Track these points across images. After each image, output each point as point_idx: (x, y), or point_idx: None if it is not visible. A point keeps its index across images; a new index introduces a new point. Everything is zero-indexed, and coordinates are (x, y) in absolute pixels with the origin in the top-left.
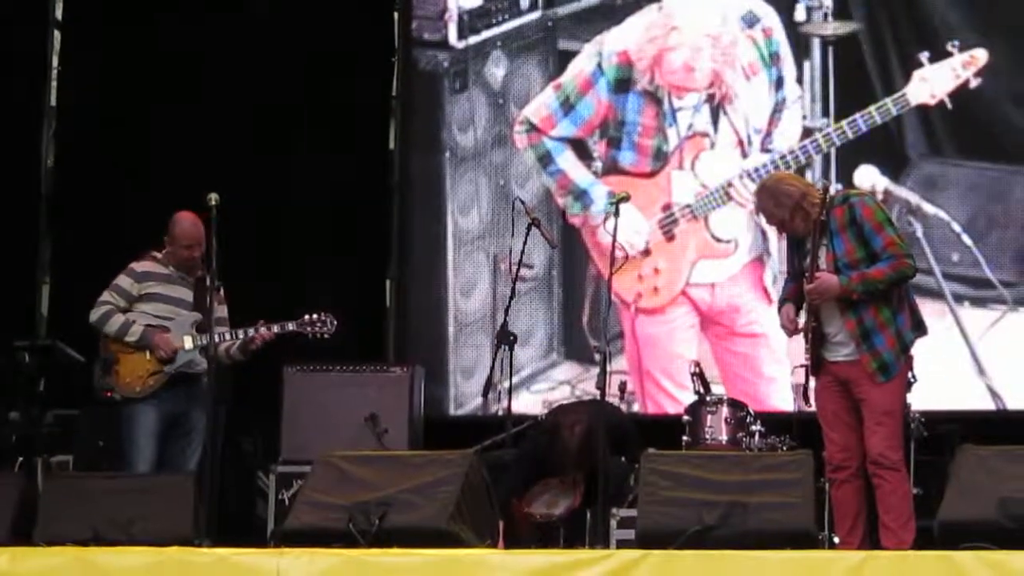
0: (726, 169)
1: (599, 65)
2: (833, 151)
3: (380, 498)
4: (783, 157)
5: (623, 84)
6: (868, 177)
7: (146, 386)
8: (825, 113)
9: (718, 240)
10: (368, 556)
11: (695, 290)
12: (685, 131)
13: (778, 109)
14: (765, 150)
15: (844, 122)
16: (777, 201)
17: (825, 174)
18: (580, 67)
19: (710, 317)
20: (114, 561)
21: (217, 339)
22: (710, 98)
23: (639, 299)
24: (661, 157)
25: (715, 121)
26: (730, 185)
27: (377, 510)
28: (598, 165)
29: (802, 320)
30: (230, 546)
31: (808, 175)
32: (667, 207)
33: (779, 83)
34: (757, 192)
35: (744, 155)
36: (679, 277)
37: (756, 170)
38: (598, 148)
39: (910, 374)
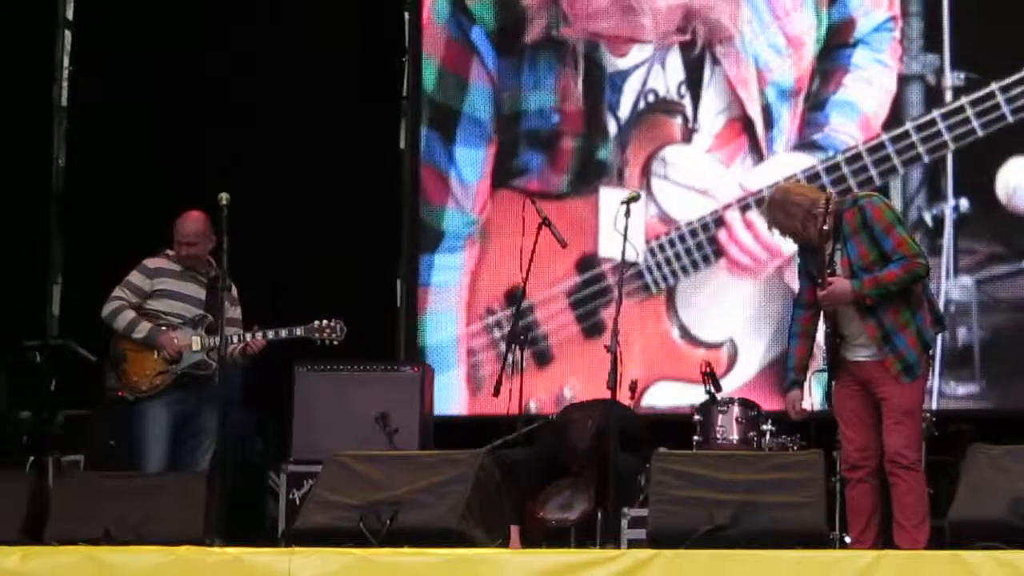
0: (715, 181)
1: (461, 7)
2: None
3: (391, 498)
4: (850, 159)
5: (506, 37)
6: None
7: (152, 385)
8: (933, 46)
9: (694, 342)
10: (379, 556)
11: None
12: (630, 105)
13: (837, 43)
14: (806, 143)
15: (997, 86)
16: (788, 212)
17: (933, 181)
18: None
19: None
20: (125, 561)
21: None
22: (684, 46)
23: None
24: (585, 166)
25: (694, 83)
26: (720, 223)
27: (388, 510)
28: (471, 188)
29: (807, 405)
30: (241, 546)
31: (895, 190)
32: (587, 264)
33: None
34: (766, 206)
35: (757, 151)
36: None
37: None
38: (487, 151)
39: None
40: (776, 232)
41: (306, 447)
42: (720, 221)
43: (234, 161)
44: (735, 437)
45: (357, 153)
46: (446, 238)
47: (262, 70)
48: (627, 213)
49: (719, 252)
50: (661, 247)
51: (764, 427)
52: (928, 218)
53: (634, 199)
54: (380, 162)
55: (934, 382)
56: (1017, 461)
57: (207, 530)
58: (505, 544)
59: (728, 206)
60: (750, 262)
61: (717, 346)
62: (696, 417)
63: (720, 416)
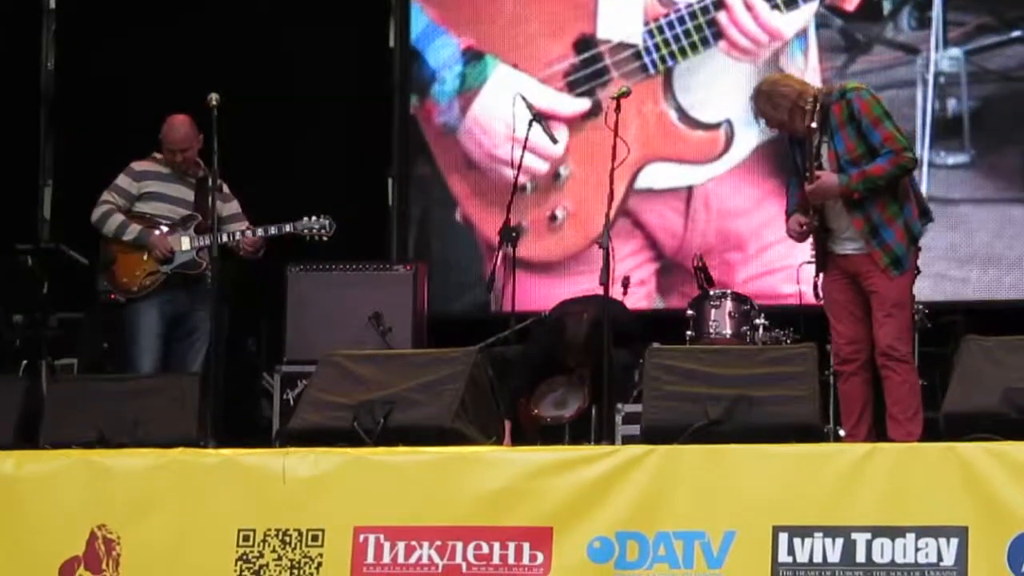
0: None
1: None
2: None
3: (384, 397)
4: None
5: None
6: None
7: (143, 286)
8: None
9: (691, 123)
10: (373, 455)
11: (648, 214)
12: None
13: None
14: None
15: None
16: (774, 104)
17: None
18: None
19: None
20: (119, 463)
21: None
22: None
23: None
24: None
25: None
26: (721, 5)
27: (382, 409)
28: None
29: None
30: (235, 447)
31: None
32: (584, 45)
33: None
34: (753, 98)
35: None
36: (603, 194)
37: None
38: None
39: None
40: (763, 123)
41: (299, 347)
42: (721, 3)
43: (224, 60)
44: (728, 331)
45: (346, 50)
46: None
47: None
48: (617, 108)
49: (719, 34)
50: (660, 29)
51: (757, 321)
52: None
53: (624, 94)
54: (370, 59)
55: (924, 154)
56: (1010, 352)
57: (201, 431)
58: (499, 442)
59: None
60: (750, 45)
61: (714, 127)
62: (689, 312)
63: (713, 311)
